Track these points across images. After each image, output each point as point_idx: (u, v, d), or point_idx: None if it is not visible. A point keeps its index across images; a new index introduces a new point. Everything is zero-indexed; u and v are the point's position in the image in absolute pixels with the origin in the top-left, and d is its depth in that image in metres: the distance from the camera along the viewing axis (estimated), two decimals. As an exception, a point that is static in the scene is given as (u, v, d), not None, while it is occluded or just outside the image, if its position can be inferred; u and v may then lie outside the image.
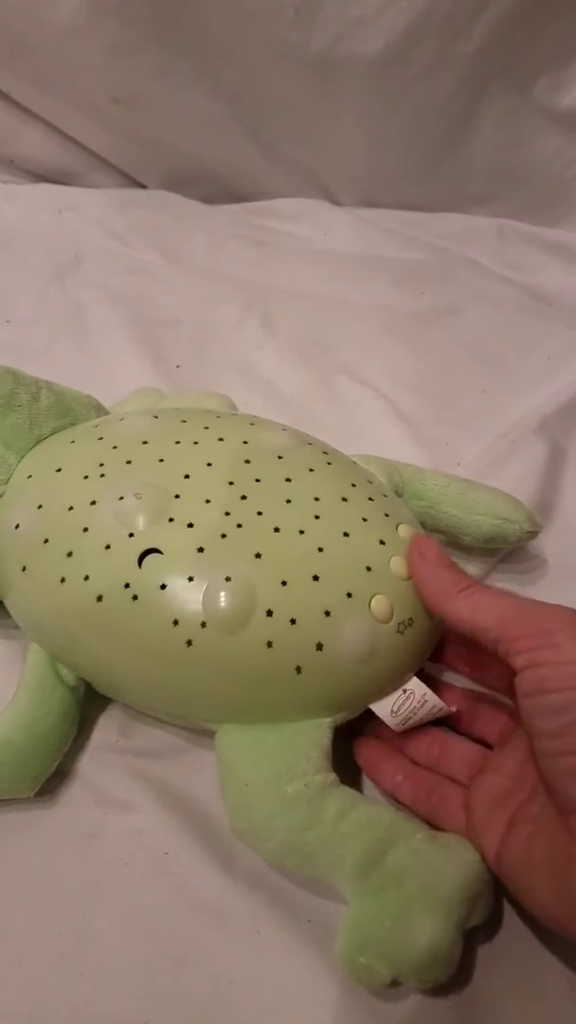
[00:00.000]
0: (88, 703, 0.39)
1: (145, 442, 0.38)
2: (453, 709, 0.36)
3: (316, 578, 0.34)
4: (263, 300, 0.65)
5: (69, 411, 0.42)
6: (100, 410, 0.45)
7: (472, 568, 0.45)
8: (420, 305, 0.65)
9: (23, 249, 0.71)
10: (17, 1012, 0.31)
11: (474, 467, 0.51)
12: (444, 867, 0.31)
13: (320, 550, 0.34)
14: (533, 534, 0.43)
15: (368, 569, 0.35)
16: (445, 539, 0.45)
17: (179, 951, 0.33)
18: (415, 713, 0.34)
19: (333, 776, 0.33)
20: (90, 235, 0.73)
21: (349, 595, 0.34)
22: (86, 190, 0.78)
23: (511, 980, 0.32)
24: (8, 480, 0.39)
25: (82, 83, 0.69)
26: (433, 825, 0.34)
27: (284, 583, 0.33)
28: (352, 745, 0.37)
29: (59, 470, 0.38)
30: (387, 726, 0.35)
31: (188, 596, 0.33)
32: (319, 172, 0.75)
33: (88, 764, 0.38)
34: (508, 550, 0.46)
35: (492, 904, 0.32)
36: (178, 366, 0.60)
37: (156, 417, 0.40)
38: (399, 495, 0.42)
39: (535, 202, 0.72)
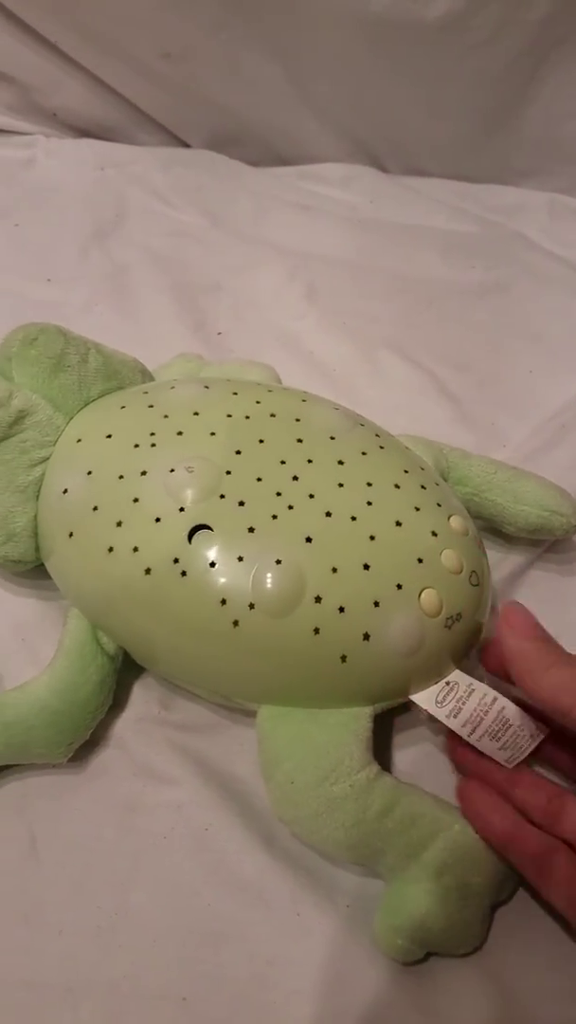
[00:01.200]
0: (130, 673, 0.39)
1: (196, 413, 0.37)
2: (538, 729, 0.32)
3: (367, 567, 0.33)
4: (306, 268, 0.64)
5: (116, 374, 0.42)
6: (146, 374, 0.45)
7: (516, 557, 0.44)
8: (468, 279, 0.63)
9: (64, 206, 0.70)
10: (55, 983, 0.31)
11: (521, 450, 0.50)
12: (479, 859, 0.32)
13: (372, 538, 0.34)
14: None
15: (419, 561, 0.34)
16: (488, 527, 0.44)
17: (217, 929, 0.33)
18: (462, 703, 0.33)
19: (376, 768, 0.33)
20: (132, 194, 0.71)
21: (399, 587, 0.33)
22: (129, 147, 0.76)
23: (547, 975, 0.32)
24: (56, 442, 0.39)
25: (131, 36, 0.67)
26: (536, 888, 0.32)
27: (334, 570, 0.33)
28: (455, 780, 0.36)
29: (109, 436, 0.37)
30: (496, 763, 0.33)
31: (237, 576, 0.33)
32: (368, 137, 0.73)
33: (129, 735, 0.38)
34: (552, 540, 0.45)
35: (518, 882, 0.33)
36: (219, 333, 0.59)
37: (207, 387, 0.39)
38: (444, 479, 0.41)
39: (588, 177, 0.70)
